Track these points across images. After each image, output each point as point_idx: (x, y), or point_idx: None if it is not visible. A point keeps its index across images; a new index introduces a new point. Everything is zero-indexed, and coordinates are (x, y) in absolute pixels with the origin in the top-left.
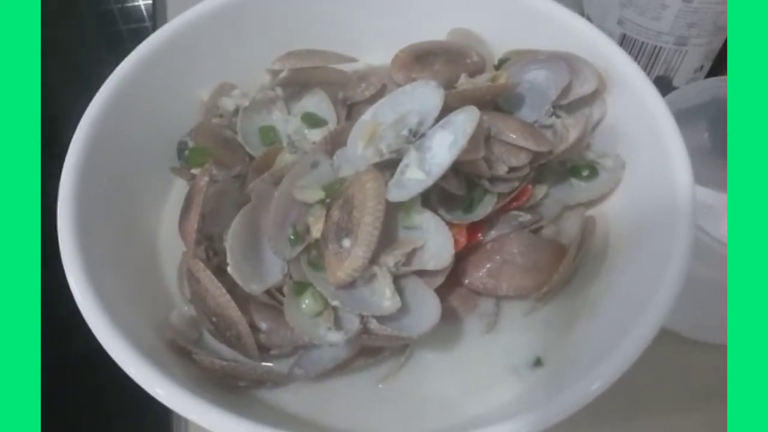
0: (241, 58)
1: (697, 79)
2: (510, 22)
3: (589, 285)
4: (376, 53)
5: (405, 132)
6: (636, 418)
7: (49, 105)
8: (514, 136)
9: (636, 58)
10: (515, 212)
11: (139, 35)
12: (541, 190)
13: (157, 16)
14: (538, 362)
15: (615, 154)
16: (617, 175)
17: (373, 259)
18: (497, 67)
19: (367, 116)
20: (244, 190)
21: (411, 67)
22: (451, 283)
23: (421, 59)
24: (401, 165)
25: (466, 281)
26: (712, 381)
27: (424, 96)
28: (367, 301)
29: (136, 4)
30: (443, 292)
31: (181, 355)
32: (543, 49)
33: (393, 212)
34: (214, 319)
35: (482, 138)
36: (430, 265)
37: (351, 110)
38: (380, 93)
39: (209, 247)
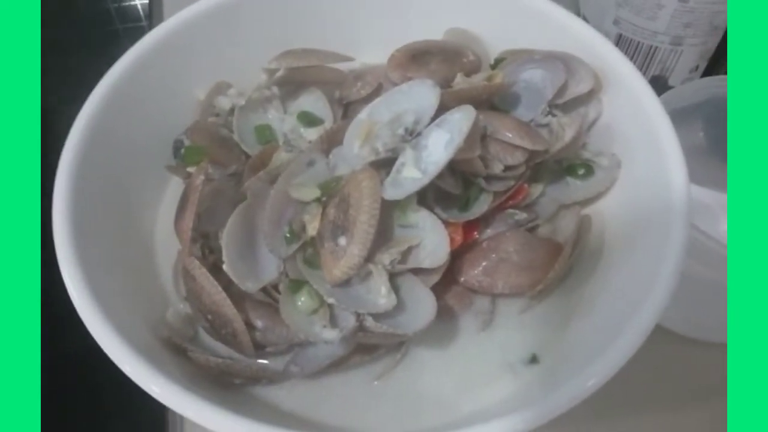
0: (237, 57)
1: (692, 78)
2: (506, 21)
3: (584, 283)
4: (372, 52)
5: (401, 131)
6: (635, 417)
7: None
8: (510, 135)
9: (632, 58)
10: (511, 211)
11: (135, 34)
12: (536, 189)
13: (153, 16)
14: (533, 360)
15: (611, 153)
16: (613, 174)
17: (369, 257)
18: (493, 67)
19: (363, 115)
20: (240, 188)
21: (407, 66)
22: (447, 281)
23: (417, 58)
24: (397, 163)
25: (462, 279)
26: (710, 379)
27: (420, 95)
28: (363, 298)
29: (133, 3)
30: (439, 290)
31: (177, 352)
32: (539, 49)
33: (389, 211)
34: (209, 317)
35: (478, 137)
36: (426, 263)
37: (347, 109)
38: (376, 92)
39: (205, 245)
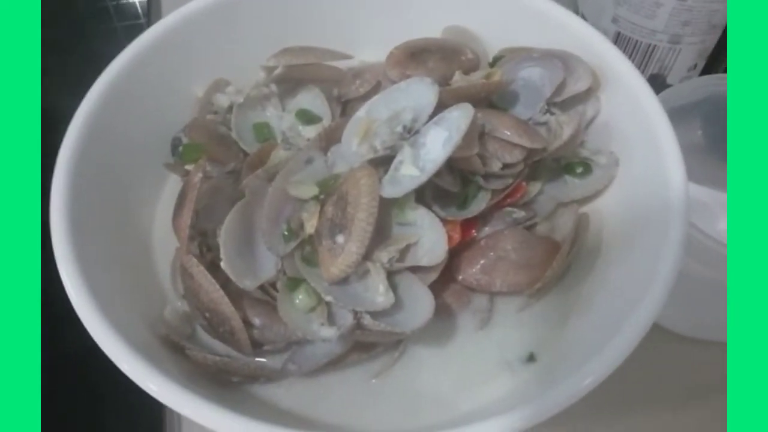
0: (235, 54)
1: (690, 77)
2: (505, 20)
3: (582, 281)
4: (370, 50)
5: (399, 128)
6: (632, 415)
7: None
8: (509, 133)
9: (630, 56)
10: (509, 209)
11: (133, 32)
12: (535, 187)
13: (151, 13)
14: (531, 358)
15: (609, 151)
16: (611, 172)
17: (367, 255)
18: (492, 65)
19: (361, 113)
20: (238, 186)
21: (405, 64)
22: (445, 279)
23: (415, 56)
24: (395, 161)
25: (460, 277)
26: (707, 378)
27: (418, 93)
28: (361, 296)
29: (131, 1)
30: (437, 288)
31: (175, 350)
32: (537, 47)
33: (387, 208)
34: (207, 315)
35: (476, 135)
36: (424, 261)
37: (345, 107)
38: (375, 90)
39: (203, 243)
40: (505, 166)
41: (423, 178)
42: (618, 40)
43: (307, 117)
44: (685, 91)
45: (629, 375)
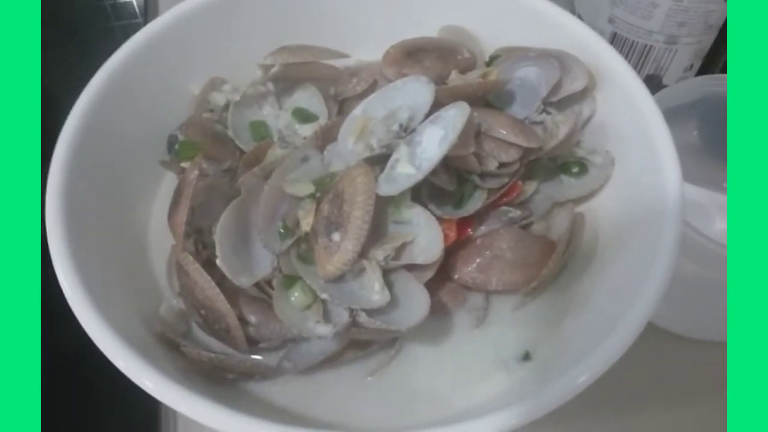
0: (232, 52)
1: (687, 77)
2: (501, 19)
3: (577, 280)
4: (367, 49)
5: (395, 127)
6: (629, 414)
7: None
8: (505, 132)
9: (626, 57)
10: (505, 208)
11: (131, 31)
12: (530, 186)
13: (149, 13)
14: (526, 356)
15: (605, 151)
16: (607, 172)
17: (363, 253)
18: (488, 64)
19: (357, 111)
20: (234, 184)
21: (402, 62)
22: (441, 277)
23: (412, 55)
24: (391, 160)
25: (456, 276)
26: (704, 377)
27: (414, 91)
28: (356, 294)
29: (129, 0)
30: (433, 286)
31: (170, 347)
32: (534, 47)
33: (383, 207)
34: (202, 312)
35: (472, 133)
36: (420, 260)
37: (342, 105)
38: (371, 88)
39: (198, 241)
40: (501, 165)
41: (419, 176)
42: (614, 40)
43: (303, 115)
44: (681, 91)
45: (625, 374)
